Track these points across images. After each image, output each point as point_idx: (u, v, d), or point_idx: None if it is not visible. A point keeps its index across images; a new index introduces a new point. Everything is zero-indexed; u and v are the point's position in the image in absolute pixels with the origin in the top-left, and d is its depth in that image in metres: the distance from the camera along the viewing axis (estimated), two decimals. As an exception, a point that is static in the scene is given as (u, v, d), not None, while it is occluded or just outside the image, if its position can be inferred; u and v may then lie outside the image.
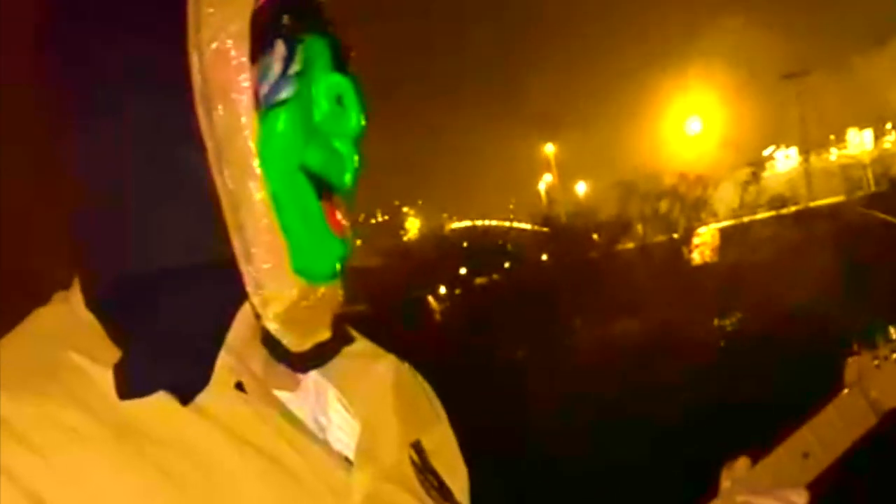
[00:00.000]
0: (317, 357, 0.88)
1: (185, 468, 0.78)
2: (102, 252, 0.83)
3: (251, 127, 0.80)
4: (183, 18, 0.78)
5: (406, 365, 1.04)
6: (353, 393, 0.95)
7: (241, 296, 0.83)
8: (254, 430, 0.82)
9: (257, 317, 0.84)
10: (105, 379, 0.79)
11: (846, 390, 1.35)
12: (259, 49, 0.80)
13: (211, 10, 0.78)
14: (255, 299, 0.83)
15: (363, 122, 0.88)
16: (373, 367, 0.97)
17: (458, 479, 1.03)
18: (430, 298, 24.48)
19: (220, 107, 0.79)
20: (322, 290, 0.86)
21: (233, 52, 0.79)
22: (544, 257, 24.54)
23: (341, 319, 0.92)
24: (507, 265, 26.61)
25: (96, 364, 0.80)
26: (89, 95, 0.81)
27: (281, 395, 0.88)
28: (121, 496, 0.76)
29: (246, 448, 0.81)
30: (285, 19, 0.81)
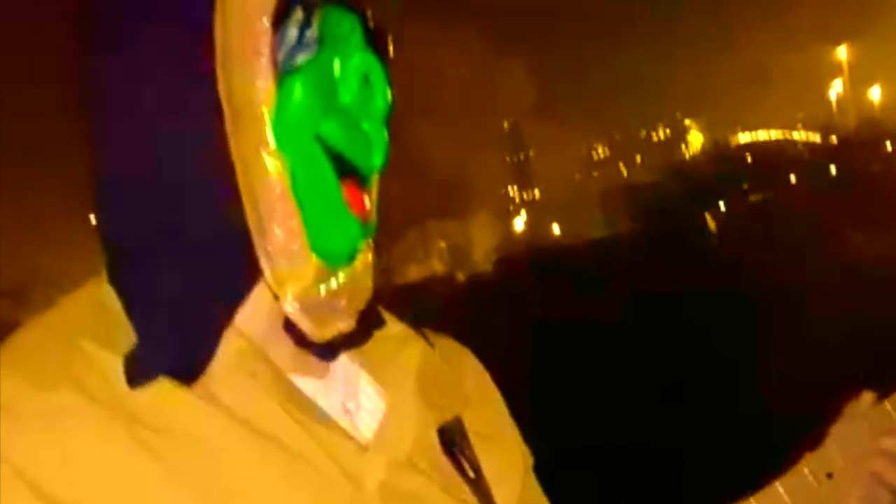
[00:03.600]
0: (339, 346, 0.88)
1: (182, 454, 0.78)
2: (119, 218, 0.84)
3: (267, 93, 0.81)
4: None
5: (439, 348, 1.02)
6: (382, 377, 0.94)
7: (254, 272, 0.83)
8: (265, 416, 0.82)
9: (276, 297, 0.84)
10: (113, 365, 0.79)
11: None
12: (281, 18, 0.81)
13: None
14: (268, 275, 0.82)
15: (389, 102, 0.88)
16: (400, 350, 0.96)
17: (510, 462, 1.03)
18: (707, 216, 24.21)
19: (239, 72, 0.80)
20: (343, 276, 0.86)
21: (255, 19, 0.81)
22: (832, 169, 23.55)
23: (371, 308, 0.91)
24: (791, 179, 25.73)
25: (107, 350, 0.80)
26: (117, 60, 0.82)
27: (305, 381, 0.88)
28: (108, 479, 0.77)
29: (254, 435, 0.81)
30: None
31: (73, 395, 0.77)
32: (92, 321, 0.83)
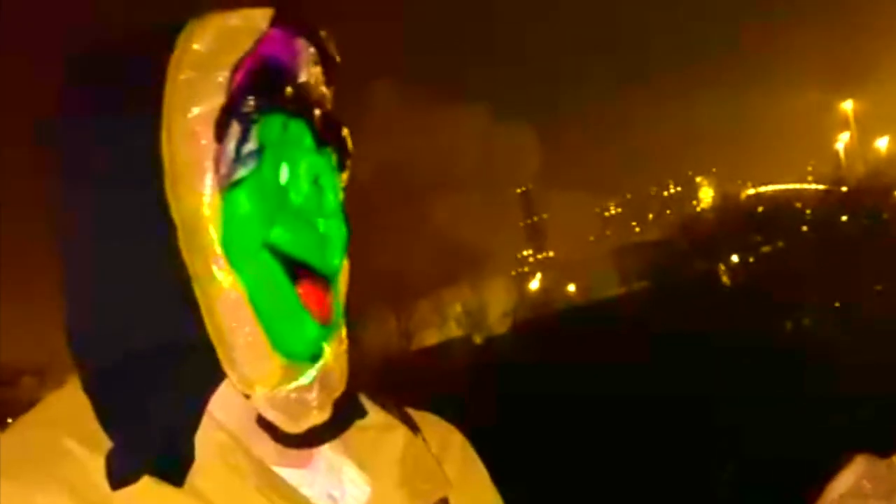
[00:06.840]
0: (316, 438, 0.88)
1: None
2: (83, 332, 0.86)
3: (213, 207, 0.81)
4: (158, 102, 0.82)
5: (424, 428, 1.03)
6: (366, 467, 0.94)
7: (219, 374, 0.84)
8: None
9: (246, 397, 0.85)
10: (97, 466, 0.80)
11: None
12: (223, 130, 0.82)
13: (184, 76, 0.82)
14: (233, 377, 0.83)
15: (340, 199, 0.89)
16: (383, 439, 0.97)
17: None
18: (721, 267, 24.32)
19: (186, 190, 0.81)
20: (313, 371, 0.86)
21: (198, 137, 0.81)
22: (844, 219, 23.69)
23: (347, 397, 0.91)
24: (803, 229, 25.87)
25: (91, 451, 0.81)
26: (70, 179, 0.85)
27: (288, 472, 0.89)
28: None
29: None
30: (247, 100, 0.83)
31: (59, 495, 0.78)
32: (75, 420, 0.83)
